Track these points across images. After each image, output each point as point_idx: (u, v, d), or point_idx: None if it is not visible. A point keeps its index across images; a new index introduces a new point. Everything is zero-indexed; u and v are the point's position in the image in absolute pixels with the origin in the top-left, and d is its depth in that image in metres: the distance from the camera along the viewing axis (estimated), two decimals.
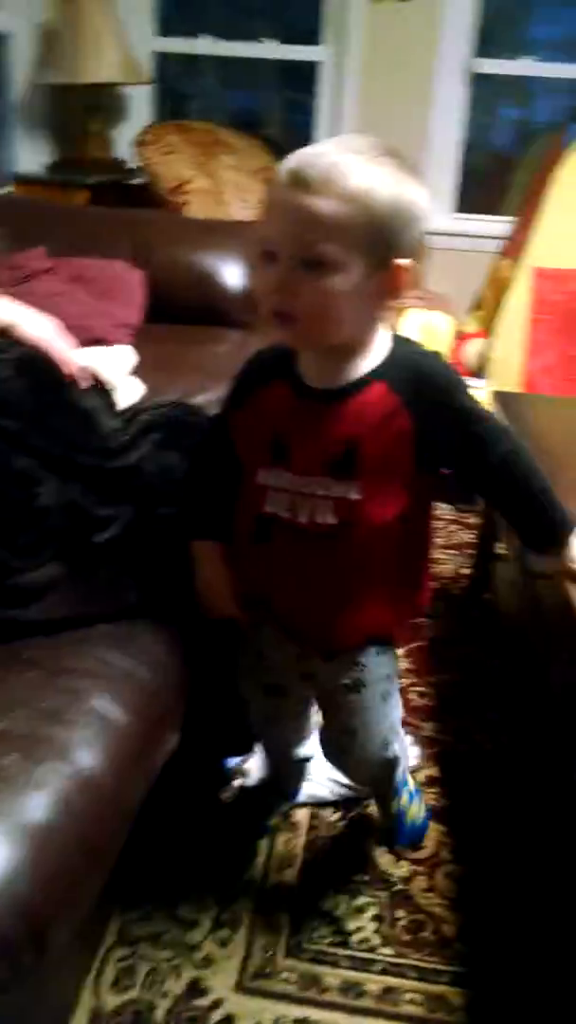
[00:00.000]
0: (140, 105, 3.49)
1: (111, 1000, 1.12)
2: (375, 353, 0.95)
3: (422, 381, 0.94)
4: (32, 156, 3.38)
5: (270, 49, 3.49)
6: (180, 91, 3.78)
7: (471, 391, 0.98)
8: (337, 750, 1.21)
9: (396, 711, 1.19)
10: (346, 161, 0.84)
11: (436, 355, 0.99)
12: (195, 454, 1.16)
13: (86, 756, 0.81)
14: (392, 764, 1.26)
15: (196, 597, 1.13)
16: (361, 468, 0.94)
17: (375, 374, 0.94)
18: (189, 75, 3.78)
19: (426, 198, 0.90)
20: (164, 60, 3.54)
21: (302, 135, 3.51)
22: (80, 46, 3.02)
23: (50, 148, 3.45)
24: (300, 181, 0.83)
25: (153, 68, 3.48)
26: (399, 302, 0.92)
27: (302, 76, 3.51)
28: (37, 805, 0.73)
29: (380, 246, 0.85)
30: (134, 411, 1.37)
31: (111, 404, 1.36)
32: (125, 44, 3.11)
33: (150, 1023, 1.09)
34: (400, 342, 0.98)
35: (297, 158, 0.86)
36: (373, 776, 1.28)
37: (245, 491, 1.04)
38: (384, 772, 1.27)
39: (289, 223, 0.85)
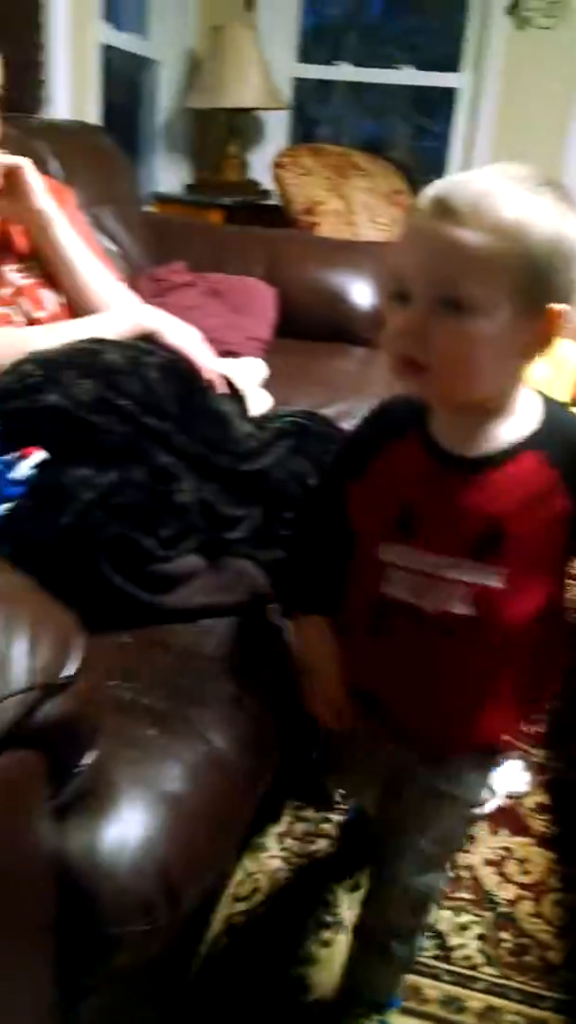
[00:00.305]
0: (276, 129, 3.59)
1: None
2: (522, 415, 0.81)
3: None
4: (171, 176, 3.52)
5: (408, 76, 3.54)
6: (313, 116, 3.87)
7: None
8: (385, 852, 1.02)
9: (464, 837, 1.05)
10: (500, 189, 0.72)
11: None
12: (302, 519, 1.05)
13: (218, 736, 0.84)
14: (433, 900, 1.05)
15: (298, 690, 0.98)
16: (507, 553, 0.79)
17: (528, 443, 0.80)
18: (323, 100, 3.87)
19: None
20: (299, 85, 3.63)
21: (433, 162, 3.54)
22: (225, 72, 3.14)
23: (188, 169, 3.58)
24: (445, 210, 0.72)
25: (291, 93, 3.57)
26: (546, 353, 0.77)
27: (433, 103, 3.54)
28: (173, 776, 0.77)
29: (534, 288, 0.73)
30: (265, 419, 1.42)
31: (244, 410, 1.42)
32: (267, 70, 3.22)
33: None
34: (552, 404, 0.83)
35: (442, 185, 0.74)
36: (409, 902, 1.03)
37: (360, 567, 0.90)
38: (420, 905, 1.04)
39: (428, 257, 0.73)
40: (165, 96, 3.44)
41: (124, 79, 3.27)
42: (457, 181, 0.74)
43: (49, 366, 1.18)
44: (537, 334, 0.75)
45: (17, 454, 1.13)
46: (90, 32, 2.67)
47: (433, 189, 0.74)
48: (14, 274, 1.40)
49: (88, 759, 0.69)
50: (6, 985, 0.62)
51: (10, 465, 1.11)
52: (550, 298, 0.74)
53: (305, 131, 3.79)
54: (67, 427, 1.13)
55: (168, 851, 0.72)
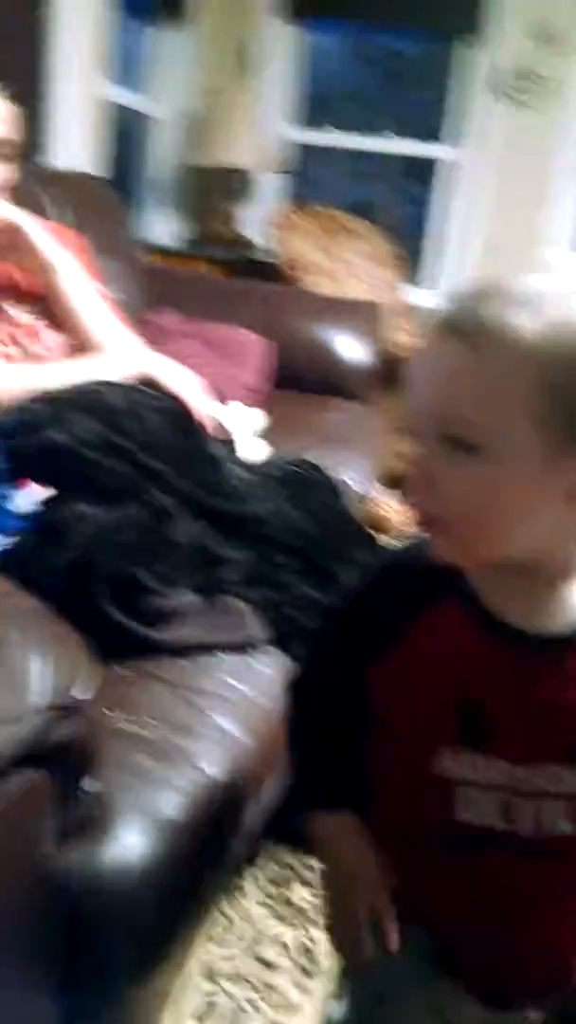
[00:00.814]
0: (269, 190, 3.70)
1: None
2: None
3: None
4: (165, 230, 3.61)
5: (395, 144, 3.68)
6: (305, 178, 3.99)
7: None
8: None
9: None
10: (524, 297, 0.59)
11: None
12: (304, 710, 0.80)
13: (211, 766, 0.86)
14: None
15: (327, 923, 0.76)
16: None
17: None
18: (314, 163, 4.00)
19: None
20: (296, 148, 3.75)
21: (416, 228, 3.68)
22: (221, 133, 3.25)
23: (183, 224, 3.67)
24: (452, 327, 0.60)
25: (288, 155, 3.69)
26: None
27: (422, 172, 3.68)
28: (169, 803, 0.79)
29: (569, 417, 0.58)
30: (263, 466, 1.46)
31: (234, 454, 1.46)
32: (261, 133, 3.33)
33: None
34: None
35: (460, 297, 0.62)
36: None
37: (402, 776, 0.71)
38: None
39: (428, 386, 0.62)
40: (162, 152, 3.54)
41: (125, 134, 3.37)
42: (477, 293, 0.61)
43: (55, 405, 1.22)
44: None
45: (12, 483, 1.16)
46: (95, 86, 2.76)
47: (449, 304, 0.62)
48: (22, 314, 1.44)
49: (94, 785, 0.70)
50: (8, 1010, 0.63)
51: (5, 497, 1.14)
52: None
53: (298, 192, 3.91)
54: (71, 464, 1.16)
55: (164, 879, 0.74)
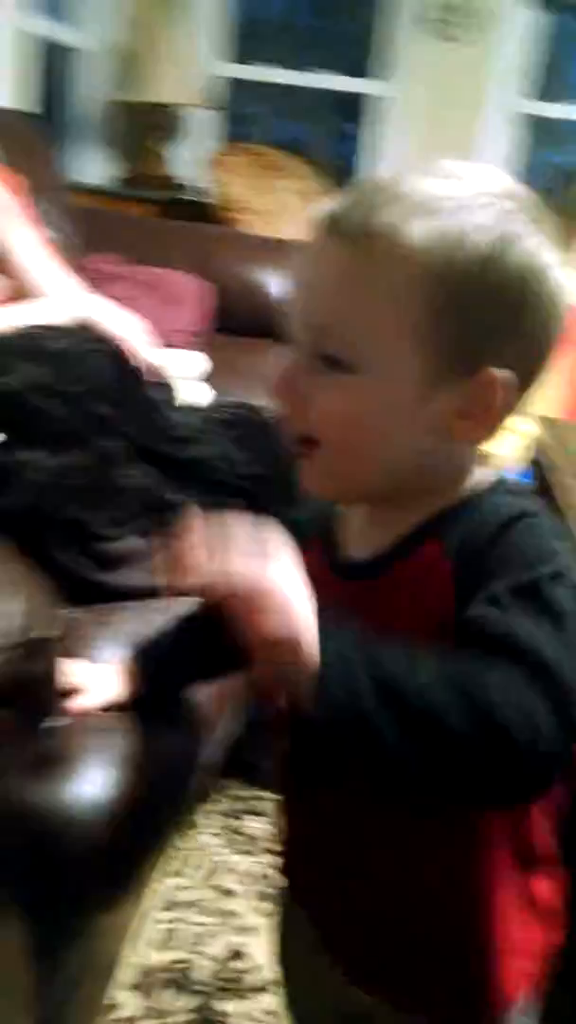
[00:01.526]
0: (200, 126, 3.62)
1: (156, 958, 1.19)
2: (447, 501, 0.59)
3: (477, 537, 0.56)
4: (94, 169, 3.51)
5: (327, 80, 3.62)
6: (235, 115, 3.91)
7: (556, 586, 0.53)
8: None
9: None
10: (419, 196, 0.53)
11: (541, 517, 0.57)
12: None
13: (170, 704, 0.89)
14: None
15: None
16: None
17: (429, 529, 0.58)
18: (246, 100, 3.92)
19: (562, 271, 0.56)
20: (225, 83, 3.67)
21: (348, 167, 3.64)
22: (152, 67, 3.16)
23: (113, 163, 3.58)
24: (335, 224, 0.54)
25: (218, 92, 3.61)
26: (491, 429, 0.57)
27: (352, 108, 3.63)
28: (128, 740, 0.81)
29: (457, 338, 0.54)
30: (206, 409, 1.47)
31: (172, 399, 1.46)
32: (193, 67, 3.25)
33: (195, 981, 1.16)
34: (499, 489, 0.60)
35: (348, 192, 0.56)
36: None
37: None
38: None
39: (305, 291, 0.57)
40: (87, 87, 3.43)
41: (50, 69, 3.24)
42: (369, 192, 0.55)
43: (2, 349, 1.20)
44: (470, 405, 0.55)
45: None
46: (18, 19, 2.65)
47: (334, 199, 0.56)
48: None
49: (57, 722, 0.72)
50: None
51: None
52: (485, 356, 0.54)
53: (236, 130, 3.83)
54: (16, 410, 1.15)
55: (125, 810, 0.76)
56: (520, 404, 0.57)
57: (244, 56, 3.65)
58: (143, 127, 3.45)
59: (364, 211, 0.53)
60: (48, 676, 0.65)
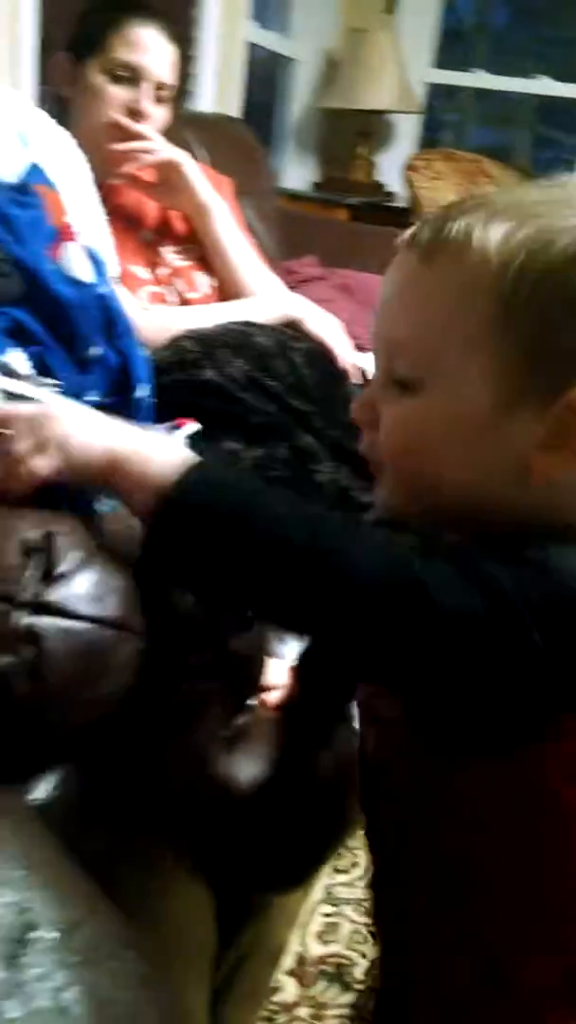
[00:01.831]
0: (405, 132, 3.62)
1: (317, 949, 1.20)
2: None
3: None
4: (299, 174, 3.59)
5: (542, 85, 3.53)
6: (441, 121, 3.89)
7: None
8: None
9: None
10: (507, 201, 0.50)
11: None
12: None
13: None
14: None
15: None
16: None
17: None
18: (451, 106, 3.89)
19: None
20: (430, 89, 3.66)
21: (549, 173, 3.53)
22: (361, 74, 3.19)
23: (316, 168, 3.64)
24: (413, 239, 0.51)
25: (423, 97, 3.60)
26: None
27: (560, 114, 3.53)
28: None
29: (535, 354, 0.48)
30: None
31: None
32: (403, 74, 3.25)
33: (353, 979, 1.16)
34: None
35: (437, 212, 0.52)
36: None
37: None
38: None
39: (379, 311, 0.54)
40: (300, 94, 3.50)
41: (262, 76, 3.35)
42: (456, 203, 0.52)
43: (206, 344, 1.25)
44: (552, 434, 0.48)
45: (172, 424, 1.20)
46: (238, 29, 2.75)
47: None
48: (172, 255, 1.47)
49: (257, 699, 0.74)
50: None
51: (166, 434, 1.18)
52: (572, 374, 0.47)
53: (431, 136, 3.81)
54: (219, 402, 1.19)
55: (308, 794, 0.77)
56: None
57: (453, 62, 3.63)
58: (350, 134, 3.50)
59: (442, 220, 0.49)
60: (261, 657, 0.67)
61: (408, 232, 0.52)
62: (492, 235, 0.47)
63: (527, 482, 0.49)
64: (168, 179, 1.43)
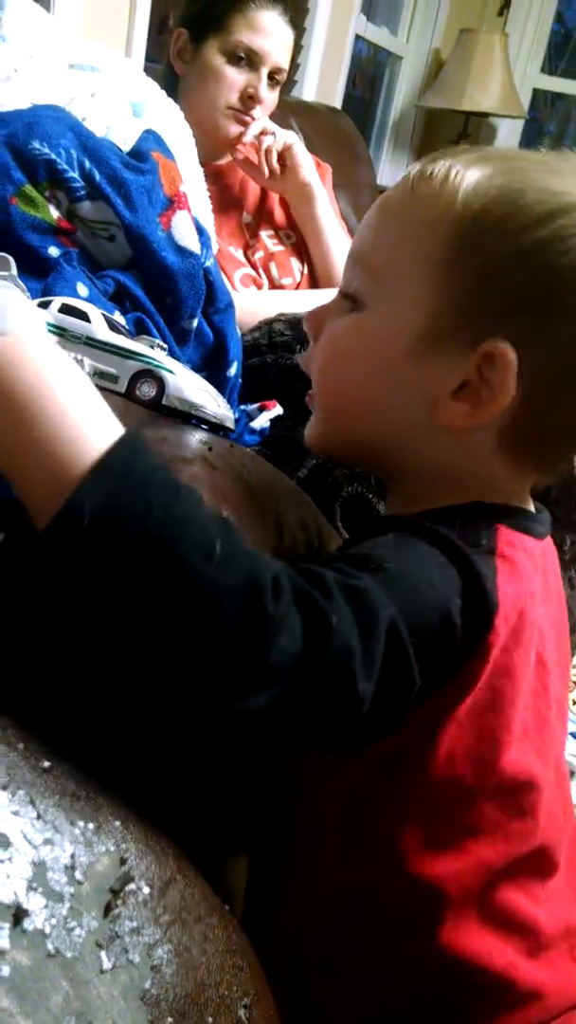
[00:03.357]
0: (507, 136, 3.57)
1: None
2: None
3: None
4: (394, 171, 3.57)
5: None
6: (542, 128, 3.83)
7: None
8: None
9: None
10: (504, 153, 0.52)
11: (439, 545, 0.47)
12: None
13: None
14: None
15: None
16: None
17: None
18: (555, 114, 3.82)
19: None
20: (536, 95, 3.60)
21: None
22: (467, 76, 3.15)
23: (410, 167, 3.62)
24: (406, 176, 0.53)
25: (528, 103, 3.55)
26: (481, 422, 0.49)
27: None
28: None
29: (472, 296, 0.48)
30: None
31: None
32: (510, 78, 3.21)
33: None
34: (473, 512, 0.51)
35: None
36: None
37: None
38: None
39: (356, 233, 0.56)
40: (403, 92, 3.48)
41: (367, 70, 3.33)
42: (459, 147, 0.55)
43: (297, 328, 1.24)
44: (465, 381, 0.48)
45: (256, 405, 1.20)
46: (348, 22, 2.73)
47: None
48: (268, 240, 1.47)
49: None
50: None
51: (251, 415, 1.17)
52: (501, 327, 0.47)
53: (531, 142, 3.76)
54: (307, 387, 1.18)
55: None
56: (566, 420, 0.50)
57: (552, 69, 3.57)
58: (449, 133, 3.46)
59: (437, 157, 0.51)
60: None
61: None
62: (468, 177, 0.48)
63: (435, 433, 0.50)
64: (278, 162, 1.43)
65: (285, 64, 1.39)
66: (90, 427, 0.38)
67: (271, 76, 1.38)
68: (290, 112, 2.05)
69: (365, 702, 0.41)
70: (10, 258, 0.60)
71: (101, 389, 0.47)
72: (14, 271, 0.59)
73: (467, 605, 0.45)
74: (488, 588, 0.46)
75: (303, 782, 0.53)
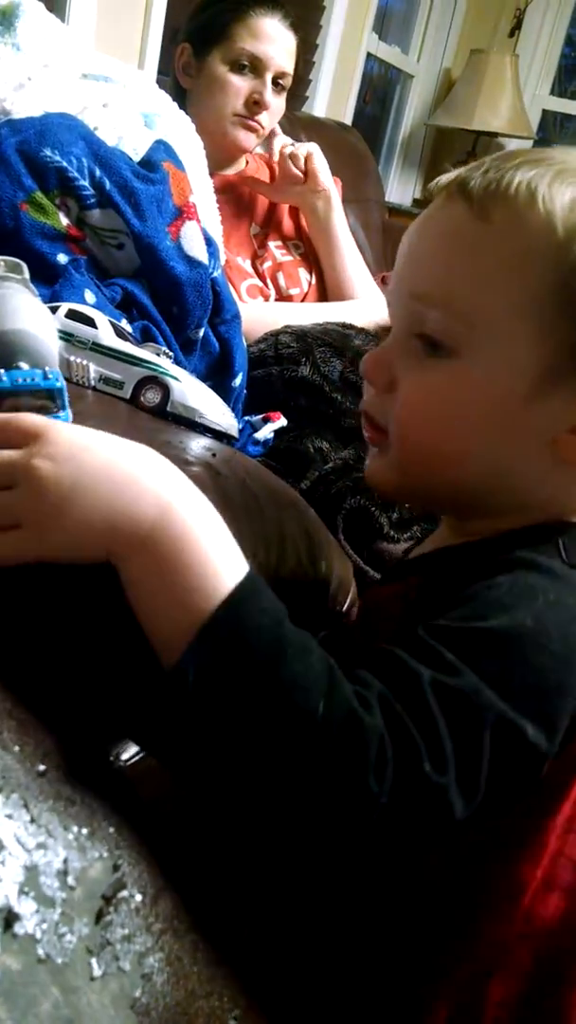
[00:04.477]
0: None
1: None
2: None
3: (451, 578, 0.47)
4: (402, 189, 3.58)
5: None
6: (544, 145, 3.85)
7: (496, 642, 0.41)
8: None
9: None
10: (569, 162, 0.45)
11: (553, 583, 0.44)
12: None
13: None
14: None
15: None
16: None
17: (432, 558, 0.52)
18: (564, 136, 3.84)
19: None
20: (545, 116, 3.62)
21: None
22: (477, 95, 3.17)
23: (420, 185, 3.63)
24: (463, 187, 0.46)
25: (537, 124, 3.57)
26: None
27: None
28: None
29: None
30: None
31: None
32: (519, 99, 3.22)
33: None
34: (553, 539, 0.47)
35: (485, 161, 0.48)
36: None
37: None
38: None
39: (411, 258, 0.49)
40: (412, 110, 3.50)
41: (377, 88, 3.35)
42: (509, 155, 0.47)
43: (304, 341, 1.25)
44: None
45: (261, 417, 1.20)
46: (360, 40, 2.75)
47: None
48: (277, 250, 1.47)
49: None
50: None
51: (256, 426, 1.18)
52: None
53: None
54: (313, 400, 1.18)
55: None
56: None
57: (562, 91, 3.59)
58: (457, 152, 3.48)
59: (498, 171, 0.45)
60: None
61: (448, 178, 0.47)
62: (559, 198, 0.43)
63: (549, 470, 0.46)
64: (291, 174, 1.44)
65: (289, 68, 1.40)
66: (223, 569, 0.38)
67: (275, 81, 1.39)
68: (300, 127, 2.06)
69: (459, 816, 0.38)
70: (22, 263, 0.60)
71: (106, 395, 0.48)
72: (26, 275, 0.59)
73: None
74: None
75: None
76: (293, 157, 1.42)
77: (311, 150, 1.43)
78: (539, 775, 0.41)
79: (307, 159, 1.43)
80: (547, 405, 0.45)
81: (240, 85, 1.38)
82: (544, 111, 3.57)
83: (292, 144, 1.43)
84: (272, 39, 1.37)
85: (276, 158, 1.46)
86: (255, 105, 1.38)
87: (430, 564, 0.52)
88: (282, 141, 1.43)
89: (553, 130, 3.72)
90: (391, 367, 0.49)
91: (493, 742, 0.38)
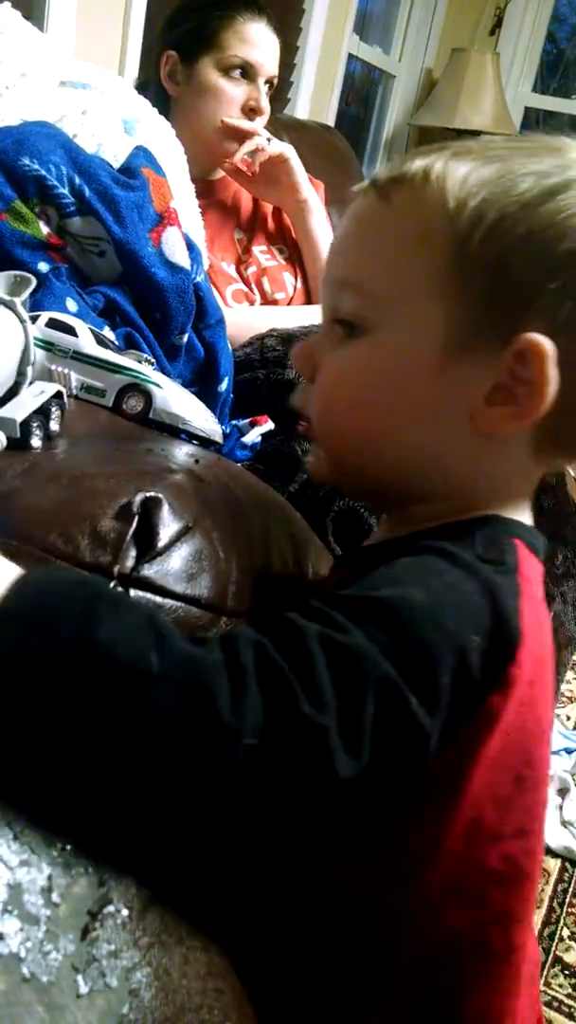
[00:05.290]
0: None
1: None
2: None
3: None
4: None
5: None
6: None
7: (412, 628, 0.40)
8: None
9: None
10: (473, 144, 0.47)
11: (464, 571, 0.43)
12: None
13: None
14: None
15: None
16: None
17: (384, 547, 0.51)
18: (546, 131, 3.85)
19: None
20: (527, 114, 3.63)
21: None
22: (458, 94, 3.18)
23: None
24: (373, 180, 0.48)
25: (519, 122, 3.58)
26: (528, 419, 0.44)
27: None
28: None
29: (490, 294, 0.44)
30: None
31: None
32: (501, 97, 3.23)
33: None
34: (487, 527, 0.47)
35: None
36: None
37: None
38: None
39: (331, 256, 0.51)
40: (395, 110, 3.50)
41: (359, 89, 3.35)
42: (423, 148, 0.48)
43: (289, 344, 1.24)
44: (502, 382, 0.44)
45: (248, 420, 1.20)
46: (341, 41, 2.75)
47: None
48: (261, 255, 1.47)
49: None
50: None
51: (243, 431, 1.17)
52: (525, 318, 0.43)
53: None
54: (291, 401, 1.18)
55: None
56: None
57: (543, 88, 3.60)
58: None
59: (403, 160, 0.46)
60: None
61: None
62: (451, 174, 0.44)
63: (473, 444, 0.46)
64: (272, 173, 1.43)
65: (277, 71, 1.41)
66: None
67: (267, 86, 1.40)
68: (283, 129, 2.06)
69: (343, 774, 0.37)
70: (30, 278, 0.59)
71: (88, 403, 0.47)
72: (26, 296, 0.58)
73: (490, 638, 0.41)
74: (511, 616, 0.42)
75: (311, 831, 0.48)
76: (261, 154, 1.40)
77: (285, 155, 1.42)
78: (424, 757, 0.40)
79: (281, 167, 1.42)
80: (456, 376, 0.45)
81: (234, 92, 1.37)
82: (527, 108, 3.58)
83: (269, 139, 1.42)
84: (261, 44, 1.37)
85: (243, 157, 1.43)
86: (251, 111, 1.38)
87: (358, 558, 0.52)
88: (255, 143, 1.41)
89: (536, 127, 3.73)
90: (315, 356, 0.50)
91: (377, 703, 0.38)
